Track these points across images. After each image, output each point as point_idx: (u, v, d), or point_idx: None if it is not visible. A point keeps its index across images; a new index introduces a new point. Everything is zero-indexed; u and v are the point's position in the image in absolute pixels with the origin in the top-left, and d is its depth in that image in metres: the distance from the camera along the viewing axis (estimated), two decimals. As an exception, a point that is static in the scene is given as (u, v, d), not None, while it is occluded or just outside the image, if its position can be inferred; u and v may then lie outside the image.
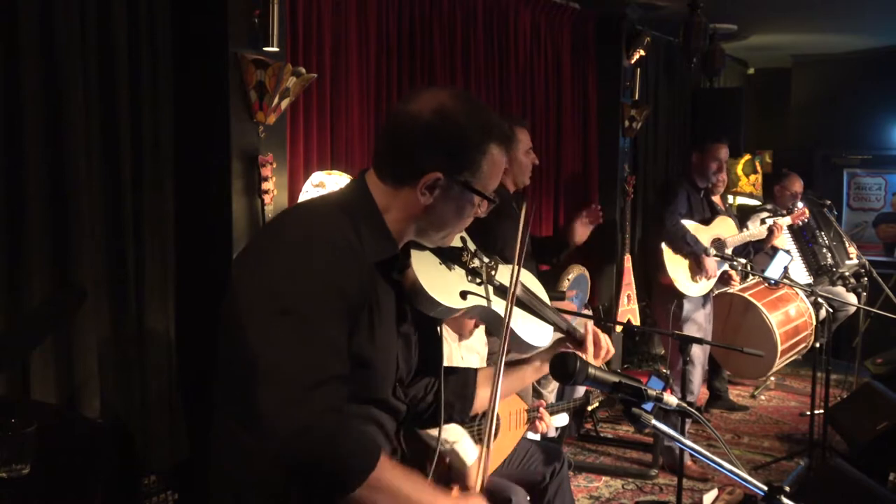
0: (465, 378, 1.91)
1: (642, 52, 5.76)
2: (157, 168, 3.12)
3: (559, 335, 1.95)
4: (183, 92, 3.21)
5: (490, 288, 1.74)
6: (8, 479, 1.97)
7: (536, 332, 1.85)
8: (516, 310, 1.78)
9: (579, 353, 1.71)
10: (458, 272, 1.71)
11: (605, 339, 1.93)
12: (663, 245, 4.72)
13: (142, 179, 3.07)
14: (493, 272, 1.76)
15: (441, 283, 1.65)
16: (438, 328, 1.79)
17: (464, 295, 1.68)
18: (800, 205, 5.49)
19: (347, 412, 1.52)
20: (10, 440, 1.98)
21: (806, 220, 5.55)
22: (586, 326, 1.94)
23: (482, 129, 1.56)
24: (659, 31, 6.15)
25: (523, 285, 1.81)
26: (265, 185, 3.25)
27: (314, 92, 3.62)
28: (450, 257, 1.71)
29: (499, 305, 1.73)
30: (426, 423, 1.89)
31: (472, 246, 1.75)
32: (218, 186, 3.21)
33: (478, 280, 1.73)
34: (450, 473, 2.55)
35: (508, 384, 1.93)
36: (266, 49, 3.22)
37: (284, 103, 3.31)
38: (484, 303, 1.71)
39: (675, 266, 4.74)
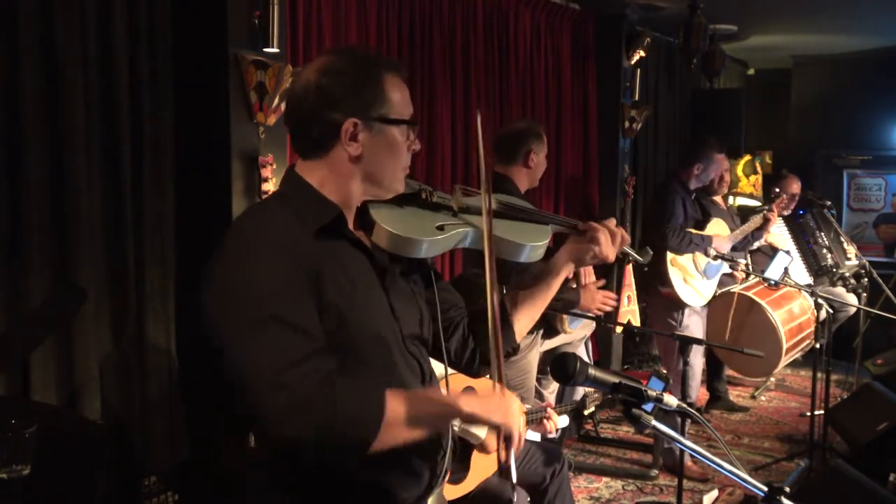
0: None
1: (642, 53, 5.76)
2: (157, 169, 3.12)
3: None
4: (183, 93, 3.21)
5: (462, 215, 1.74)
6: (8, 480, 1.97)
7: (532, 233, 1.82)
8: (502, 221, 1.79)
9: (591, 245, 1.82)
10: (424, 212, 1.73)
11: (608, 224, 1.88)
12: (668, 258, 4.74)
13: (142, 180, 3.07)
14: (460, 201, 1.76)
15: (413, 224, 1.66)
16: (432, 273, 1.80)
17: (441, 227, 1.69)
18: (778, 192, 5.48)
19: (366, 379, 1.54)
20: (10, 441, 1.98)
21: (783, 209, 5.56)
22: (588, 223, 1.89)
23: (368, 64, 1.61)
24: (659, 32, 6.14)
25: (498, 200, 1.81)
26: (265, 186, 3.25)
27: (314, 92, 3.62)
28: (409, 202, 1.72)
29: (479, 222, 1.72)
30: (475, 370, 1.89)
31: (427, 186, 1.75)
32: (218, 187, 3.21)
33: (447, 212, 1.74)
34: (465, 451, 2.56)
35: (538, 297, 1.91)
36: (266, 50, 3.22)
37: (284, 104, 3.31)
38: (465, 227, 1.71)
39: (678, 278, 4.77)
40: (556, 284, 1.91)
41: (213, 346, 1.49)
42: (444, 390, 1.81)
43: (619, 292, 5.39)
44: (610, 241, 1.86)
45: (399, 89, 1.64)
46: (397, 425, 1.46)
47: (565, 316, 3.81)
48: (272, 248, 1.50)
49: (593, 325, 4.39)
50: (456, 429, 2.51)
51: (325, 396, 1.42)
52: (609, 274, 5.54)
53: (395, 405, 1.46)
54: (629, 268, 5.44)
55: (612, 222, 1.89)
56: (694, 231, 4.83)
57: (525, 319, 1.91)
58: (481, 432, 2.53)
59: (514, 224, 1.82)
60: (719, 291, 5.14)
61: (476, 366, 1.88)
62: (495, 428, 1.59)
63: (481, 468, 2.73)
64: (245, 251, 1.51)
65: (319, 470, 1.57)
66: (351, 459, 1.51)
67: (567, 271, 1.91)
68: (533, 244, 1.79)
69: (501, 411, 1.56)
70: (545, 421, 3.00)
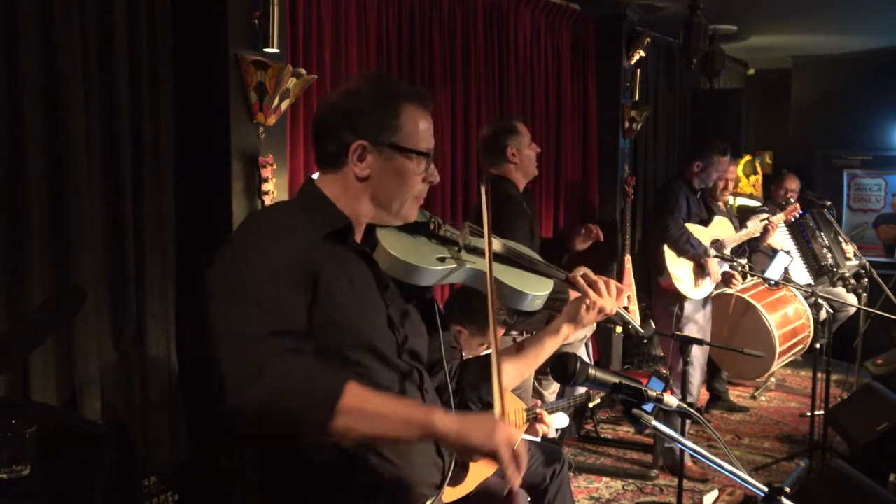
0: (486, 359, 1.90)
1: (642, 53, 5.77)
2: (157, 169, 3.12)
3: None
4: (183, 93, 3.21)
5: (465, 252, 1.77)
6: (8, 480, 1.97)
7: (533, 283, 1.84)
8: (505, 267, 1.80)
9: (584, 301, 1.85)
10: (429, 243, 1.76)
11: (602, 279, 1.90)
12: (665, 248, 4.73)
13: (142, 180, 3.07)
14: (466, 239, 1.78)
15: (414, 251, 1.70)
16: (434, 305, 1.82)
17: (441, 259, 1.72)
18: (791, 200, 5.53)
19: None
20: (11, 441, 1.98)
21: (797, 217, 5.58)
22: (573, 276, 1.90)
23: (388, 92, 1.67)
24: (659, 32, 6.15)
25: (504, 243, 1.84)
26: (265, 187, 3.25)
27: (314, 93, 3.62)
28: (417, 231, 1.76)
29: (481, 265, 1.74)
30: (456, 409, 1.88)
31: (438, 219, 1.79)
32: (218, 187, 3.21)
33: (452, 246, 1.77)
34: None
35: (529, 358, 1.93)
36: (266, 50, 3.22)
37: (285, 104, 3.31)
38: (464, 264, 1.74)
39: (677, 269, 4.76)
40: (552, 347, 1.93)
41: (203, 316, 1.52)
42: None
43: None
44: (605, 293, 1.88)
45: (419, 119, 1.67)
46: (356, 412, 1.38)
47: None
48: (277, 238, 1.56)
49: (594, 325, 4.39)
50: None
51: (285, 366, 1.40)
52: (608, 275, 5.56)
53: (358, 391, 1.40)
54: (629, 267, 5.45)
55: (604, 278, 1.91)
56: (695, 226, 4.83)
57: (515, 374, 1.92)
58: None
59: (517, 272, 1.84)
60: (716, 292, 5.15)
61: (457, 404, 1.86)
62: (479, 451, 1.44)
63: (481, 468, 2.73)
64: (251, 235, 1.59)
65: (307, 471, 1.57)
66: (309, 440, 1.48)
67: (567, 333, 1.93)
68: (535, 293, 1.82)
69: (486, 431, 1.41)
70: (536, 424, 2.99)
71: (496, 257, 1.76)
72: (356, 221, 1.68)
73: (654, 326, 2.33)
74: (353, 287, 1.60)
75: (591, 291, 1.87)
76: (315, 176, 1.73)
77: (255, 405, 1.36)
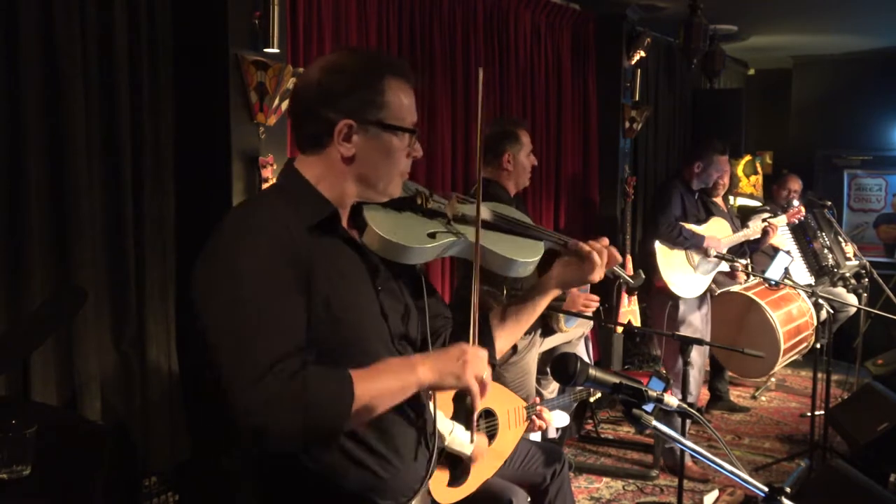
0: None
1: (643, 53, 5.77)
2: (157, 169, 3.12)
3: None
4: (183, 93, 3.20)
5: (455, 224, 1.73)
6: (8, 480, 1.97)
7: (523, 248, 1.82)
8: (495, 234, 1.78)
9: (579, 266, 1.83)
10: (418, 217, 1.72)
11: (598, 242, 1.88)
12: (657, 248, 4.76)
13: (142, 181, 3.07)
14: (455, 209, 1.75)
15: (404, 229, 1.66)
16: (423, 278, 1.81)
17: (432, 235, 1.69)
18: (795, 203, 5.55)
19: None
20: (11, 441, 1.98)
21: (801, 219, 5.59)
22: (576, 243, 1.88)
23: (371, 68, 1.61)
24: (659, 32, 6.15)
25: (493, 211, 1.81)
26: (265, 187, 3.25)
27: (314, 93, 3.62)
28: (404, 206, 1.72)
29: (472, 235, 1.70)
30: None
31: (425, 190, 1.75)
32: (218, 187, 3.21)
33: (440, 218, 1.74)
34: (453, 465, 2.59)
35: (523, 316, 1.92)
36: (266, 50, 3.22)
37: (285, 104, 3.31)
38: (454, 237, 1.71)
39: (669, 269, 4.78)
40: (543, 305, 1.92)
41: (199, 329, 1.50)
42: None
43: (618, 293, 5.41)
44: (599, 262, 1.85)
45: (402, 95, 1.63)
46: (365, 408, 1.47)
47: (561, 315, 3.82)
48: (265, 239, 1.50)
49: (590, 321, 4.39)
50: (446, 442, 2.55)
51: (295, 391, 1.41)
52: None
53: (363, 388, 1.46)
54: (629, 268, 5.45)
55: (605, 241, 1.89)
56: (688, 226, 4.84)
57: (508, 337, 1.92)
58: (467, 449, 2.57)
59: (506, 237, 1.81)
60: (719, 291, 5.15)
61: None
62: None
63: (481, 469, 2.73)
64: (238, 239, 1.51)
65: (306, 473, 1.57)
66: (321, 445, 1.53)
67: (555, 293, 1.92)
68: (523, 260, 1.79)
69: (455, 373, 1.55)
70: (534, 418, 2.99)
71: (484, 224, 1.72)
72: (341, 203, 1.64)
73: (643, 276, 2.30)
74: (344, 282, 1.57)
75: (594, 256, 1.84)
76: (295, 159, 1.67)
77: (276, 435, 1.40)
